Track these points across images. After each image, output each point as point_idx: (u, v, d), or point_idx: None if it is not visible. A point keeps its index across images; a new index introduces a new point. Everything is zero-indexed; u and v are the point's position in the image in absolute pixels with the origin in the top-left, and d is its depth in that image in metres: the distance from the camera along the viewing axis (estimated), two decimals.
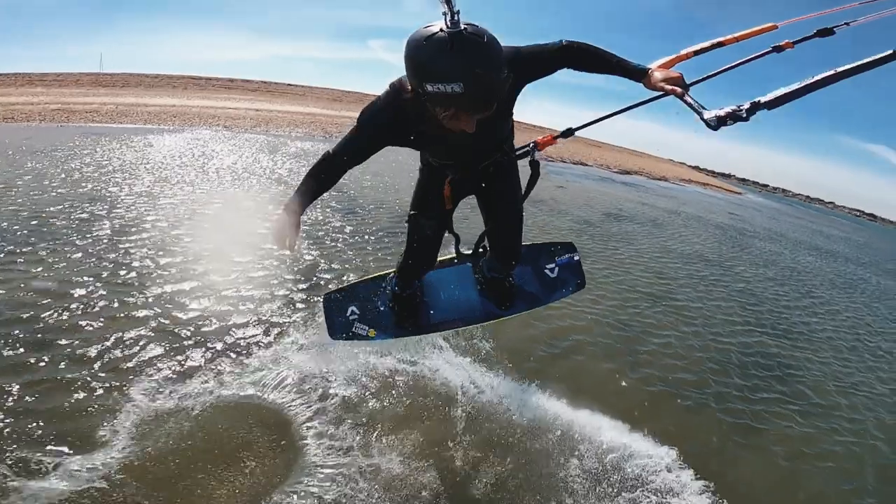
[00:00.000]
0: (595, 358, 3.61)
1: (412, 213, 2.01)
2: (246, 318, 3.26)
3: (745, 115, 1.37)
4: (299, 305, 3.55)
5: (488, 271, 2.38)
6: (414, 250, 2.09)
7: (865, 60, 1.44)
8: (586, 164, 23.59)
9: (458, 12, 1.18)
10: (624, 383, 3.33)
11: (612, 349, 3.79)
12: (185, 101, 22.52)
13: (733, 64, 1.66)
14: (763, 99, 1.39)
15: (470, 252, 2.34)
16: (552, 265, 2.50)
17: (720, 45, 1.67)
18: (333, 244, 5.03)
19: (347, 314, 2.39)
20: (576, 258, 2.51)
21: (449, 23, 1.19)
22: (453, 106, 1.26)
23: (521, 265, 2.40)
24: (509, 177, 1.92)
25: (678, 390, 3.40)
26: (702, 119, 1.39)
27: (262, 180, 7.78)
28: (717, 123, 1.37)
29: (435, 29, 1.21)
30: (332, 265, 4.42)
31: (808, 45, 1.68)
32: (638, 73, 1.58)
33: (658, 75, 1.54)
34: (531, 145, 1.80)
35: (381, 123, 1.51)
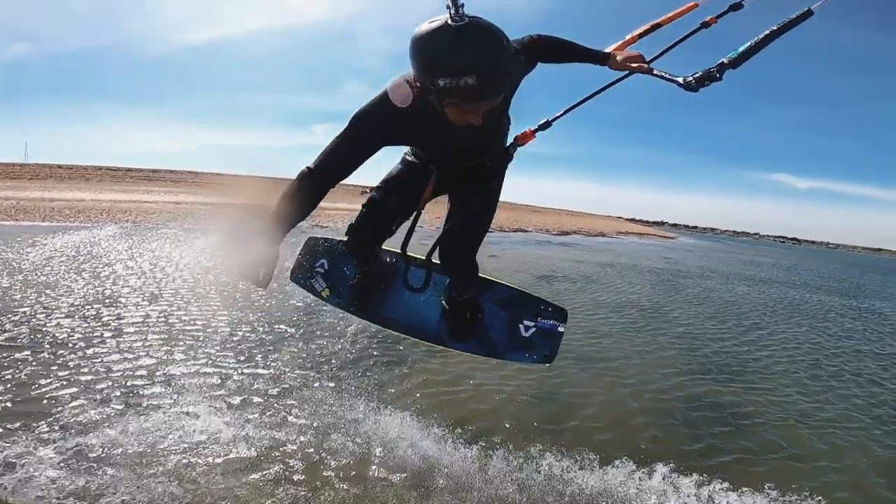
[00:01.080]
0: (513, 438, 2.94)
1: (377, 186, 1.87)
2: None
3: (717, 75, 1.50)
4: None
5: (449, 288, 2.19)
6: (365, 215, 1.87)
7: (788, 19, 1.60)
8: (526, 231, 23.99)
9: (462, 5, 1.16)
10: (544, 474, 2.64)
11: (531, 429, 3.12)
12: (97, 195, 21.03)
13: (673, 43, 1.75)
14: (726, 59, 1.53)
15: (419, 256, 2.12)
16: (531, 323, 2.20)
17: (658, 25, 1.79)
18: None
19: (315, 265, 2.34)
20: (560, 329, 2.18)
21: (454, 15, 1.17)
22: (464, 98, 1.23)
23: (500, 310, 2.22)
24: (496, 179, 1.83)
25: (618, 468, 2.74)
26: (681, 85, 1.53)
27: (149, 277, 6.86)
28: (696, 84, 1.51)
29: (440, 23, 1.18)
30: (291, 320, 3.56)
31: (729, 19, 1.79)
32: (602, 58, 1.69)
33: (620, 57, 1.68)
34: (511, 142, 1.74)
35: (384, 112, 1.40)
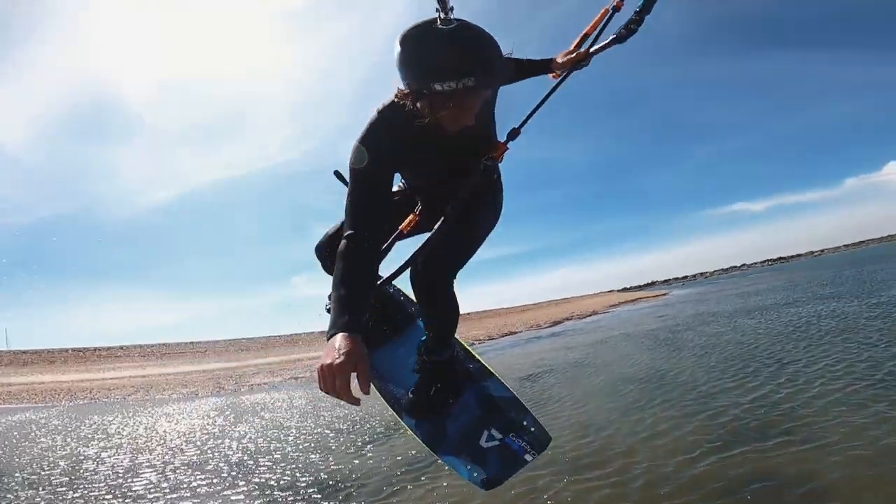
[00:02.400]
0: None
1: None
2: None
3: (637, 18, 1.63)
4: None
5: (421, 346, 1.92)
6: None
7: None
8: (515, 332, 23.06)
9: (451, 8, 1.15)
10: None
11: None
12: (58, 377, 20.45)
13: (598, 32, 1.80)
14: (637, 8, 1.64)
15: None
16: (498, 435, 1.83)
17: (586, 35, 1.81)
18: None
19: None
20: (527, 457, 1.78)
21: (445, 18, 1.15)
22: (462, 100, 1.22)
23: (477, 405, 1.92)
24: (486, 195, 1.75)
25: None
26: (616, 40, 1.66)
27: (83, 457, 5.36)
28: (626, 33, 1.64)
29: (430, 27, 1.17)
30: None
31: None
32: (545, 66, 1.77)
33: (560, 59, 1.75)
34: (487, 158, 1.61)
35: (382, 136, 1.38)
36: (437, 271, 1.66)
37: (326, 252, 1.91)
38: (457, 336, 1.98)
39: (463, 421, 1.89)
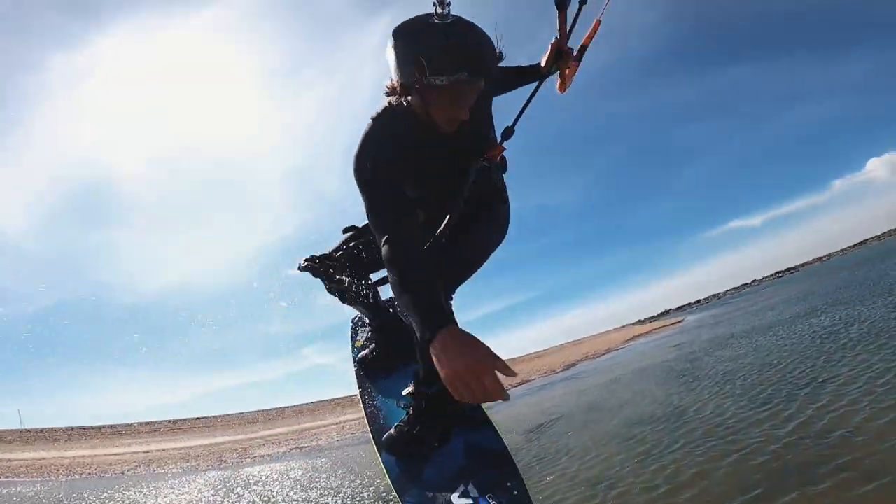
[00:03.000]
0: None
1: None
2: None
3: None
4: None
5: (415, 381, 1.74)
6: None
7: None
8: (529, 380, 22.21)
9: (449, 4, 1.16)
10: None
11: None
12: (63, 453, 20.29)
13: (570, 28, 1.75)
14: None
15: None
16: (474, 493, 1.60)
17: (584, 47, 1.82)
18: None
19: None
20: None
21: (441, 13, 1.16)
22: (456, 94, 1.23)
23: (463, 454, 1.74)
24: (495, 207, 1.70)
25: None
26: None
27: None
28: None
29: (426, 22, 1.18)
30: None
31: None
32: (536, 71, 1.76)
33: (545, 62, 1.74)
34: (483, 159, 1.58)
35: (389, 141, 1.36)
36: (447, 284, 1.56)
37: (327, 270, 1.83)
38: None
39: (443, 468, 1.73)
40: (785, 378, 5.52)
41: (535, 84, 1.72)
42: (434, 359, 1.01)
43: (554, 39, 1.69)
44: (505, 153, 1.68)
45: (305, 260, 1.83)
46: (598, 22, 1.79)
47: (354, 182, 1.37)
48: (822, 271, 42.03)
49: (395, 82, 1.27)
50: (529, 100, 1.70)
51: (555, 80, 1.82)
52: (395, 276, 1.19)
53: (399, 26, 1.20)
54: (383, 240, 1.25)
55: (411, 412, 1.77)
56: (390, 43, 1.21)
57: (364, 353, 2.19)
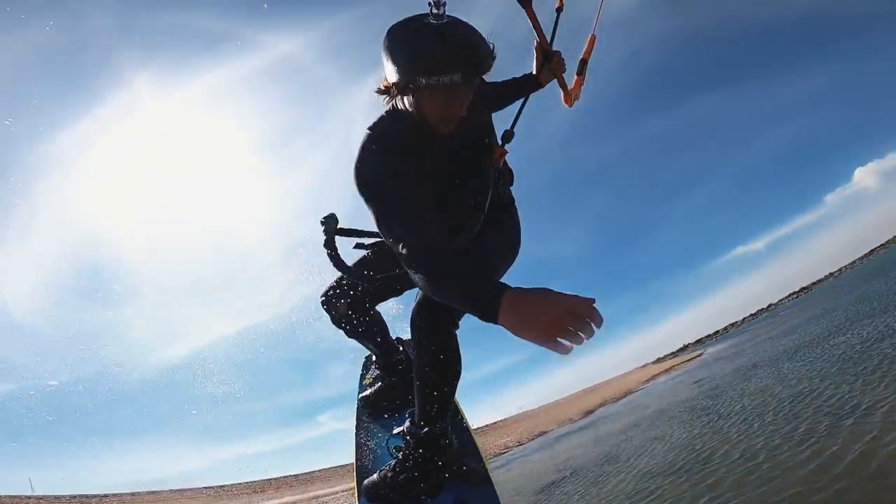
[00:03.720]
0: None
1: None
2: None
3: None
4: None
5: (409, 420, 1.65)
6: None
7: None
8: (547, 431, 21.23)
9: (444, 4, 1.17)
10: None
11: None
12: None
13: (552, 36, 1.80)
14: None
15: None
16: None
17: (584, 61, 1.85)
18: None
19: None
20: None
21: (436, 14, 1.17)
22: (450, 94, 1.21)
23: None
24: (505, 222, 1.66)
25: None
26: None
27: None
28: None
29: (420, 22, 1.18)
30: None
31: None
32: (532, 83, 1.77)
33: (543, 74, 1.77)
34: (486, 166, 1.56)
35: (388, 147, 1.34)
36: (441, 305, 1.42)
37: (335, 298, 1.78)
38: (470, 427, 1.87)
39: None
40: (821, 408, 4.75)
41: (535, 87, 1.77)
42: (513, 327, 0.95)
43: (535, 42, 1.72)
44: (511, 167, 1.65)
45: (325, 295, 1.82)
46: (594, 37, 1.81)
47: (359, 195, 1.31)
48: (837, 287, 40.84)
49: (388, 82, 1.25)
50: (525, 101, 1.70)
51: (558, 91, 1.81)
52: (424, 271, 1.13)
53: (394, 25, 1.19)
54: (399, 245, 1.18)
55: (400, 457, 1.64)
56: (385, 42, 1.20)
57: (368, 391, 2.13)
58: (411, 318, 1.50)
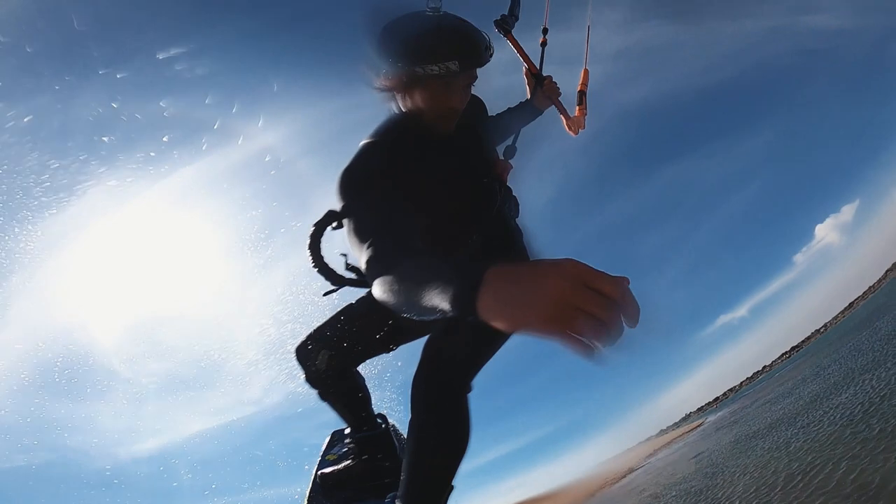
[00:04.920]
0: None
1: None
2: None
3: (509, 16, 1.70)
4: None
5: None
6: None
7: None
8: None
9: (440, 3, 1.18)
10: None
11: None
12: None
13: (540, 63, 1.82)
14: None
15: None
16: None
17: (582, 92, 1.90)
18: None
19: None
20: None
21: (432, 7, 1.18)
22: (443, 83, 1.17)
23: None
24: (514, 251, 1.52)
25: None
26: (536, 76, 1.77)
27: None
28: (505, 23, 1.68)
29: (416, 14, 1.17)
30: None
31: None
32: (529, 105, 1.75)
33: (539, 98, 1.76)
34: (493, 180, 1.51)
35: (386, 157, 1.24)
36: (455, 366, 1.30)
37: (314, 349, 1.51)
38: None
39: None
40: (837, 490, 3.87)
41: (535, 113, 1.76)
42: (498, 317, 0.66)
43: (524, 68, 1.74)
44: (517, 198, 1.57)
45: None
46: (587, 70, 1.85)
47: (338, 204, 1.16)
48: (826, 342, 40.48)
49: (383, 79, 1.21)
50: (517, 133, 1.69)
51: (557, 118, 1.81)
52: (386, 272, 0.90)
53: (390, 22, 1.17)
54: (365, 255, 0.98)
55: None
56: (378, 38, 1.16)
57: (331, 469, 1.76)
58: (413, 385, 1.35)
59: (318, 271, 1.39)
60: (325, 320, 1.58)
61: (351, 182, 1.19)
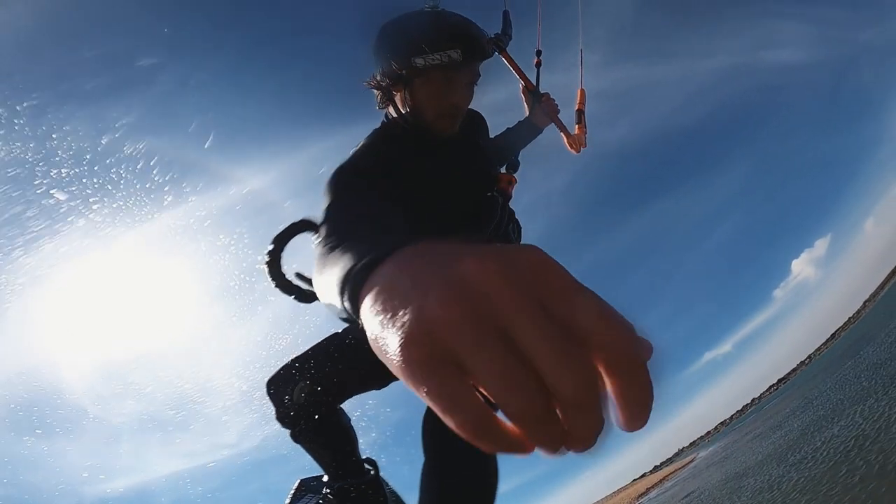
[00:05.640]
0: None
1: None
2: None
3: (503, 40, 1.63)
4: None
5: None
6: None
7: None
8: None
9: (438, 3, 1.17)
10: None
11: None
12: None
13: (536, 81, 1.81)
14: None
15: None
16: None
17: (580, 112, 1.89)
18: None
19: None
20: None
21: (430, 5, 1.19)
22: (447, 73, 1.12)
23: None
24: None
25: None
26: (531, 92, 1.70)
27: None
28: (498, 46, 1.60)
29: (414, 10, 1.17)
30: None
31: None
32: (529, 123, 1.67)
33: (537, 116, 1.67)
34: (494, 194, 1.41)
35: (380, 161, 1.16)
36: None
37: (288, 383, 1.29)
38: None
39: None
40: None
41: (536, 131, 1.71)
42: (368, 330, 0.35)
43: (521, 86, 1.72)
44: (519, 222, 1.50)
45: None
46: (583, 90, 1.87)
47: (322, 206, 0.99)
48: (812, 373, 40.62)
49: (382, 78, 1.16)
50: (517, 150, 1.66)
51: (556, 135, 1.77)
52: (315, 269, 0.70)
53: (388, 21, 1.16)
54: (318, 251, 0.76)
55: None
56: (376, 38, 1.16)
57: None
58: (423, 423, 1.29)
59: (276, 285, 1.32)
60: (305, 350, 1.40)
61: (339, 181, 1.10)
